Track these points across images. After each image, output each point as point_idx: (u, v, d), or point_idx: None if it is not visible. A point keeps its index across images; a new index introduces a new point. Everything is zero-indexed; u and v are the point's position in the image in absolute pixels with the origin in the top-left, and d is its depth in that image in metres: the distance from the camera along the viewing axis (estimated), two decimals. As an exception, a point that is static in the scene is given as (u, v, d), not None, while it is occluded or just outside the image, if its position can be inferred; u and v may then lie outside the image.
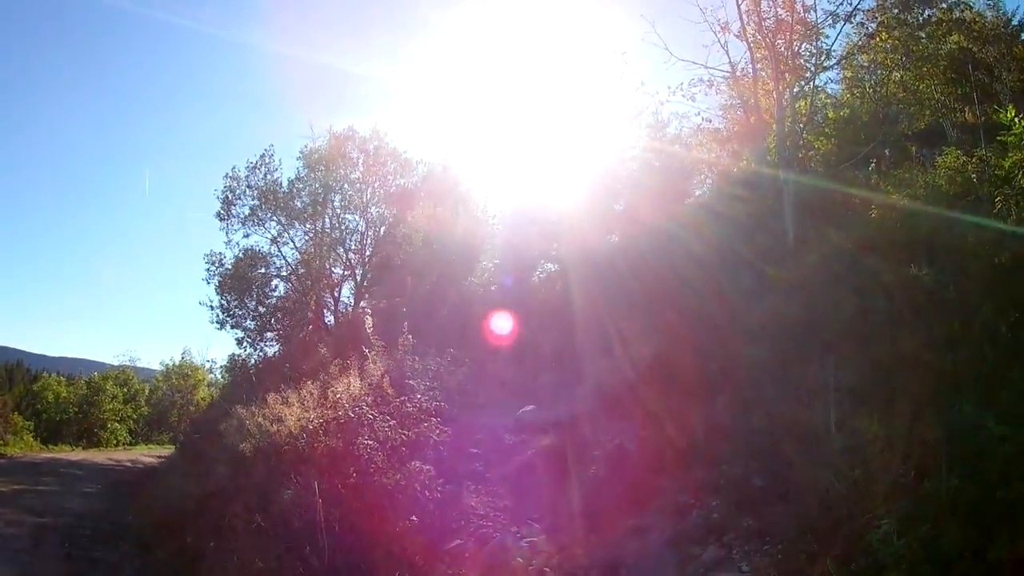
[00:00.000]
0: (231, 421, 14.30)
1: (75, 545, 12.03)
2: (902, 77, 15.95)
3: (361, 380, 11.73)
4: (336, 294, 26.99)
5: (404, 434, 9.67)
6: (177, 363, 46.91)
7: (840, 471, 6.86)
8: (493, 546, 8.56)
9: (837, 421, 7.45)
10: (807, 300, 10.22)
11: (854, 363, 8.26)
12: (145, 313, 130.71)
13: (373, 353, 12.09)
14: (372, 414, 10.04)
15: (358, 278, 26.38)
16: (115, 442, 40.62)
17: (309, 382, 13.15)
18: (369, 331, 12.76)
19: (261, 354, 26.47)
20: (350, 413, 10.34)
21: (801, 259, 11.62)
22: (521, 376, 13.89)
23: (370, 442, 9.46)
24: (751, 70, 13.42)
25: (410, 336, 11.94)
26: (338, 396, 10.92)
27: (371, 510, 8.58)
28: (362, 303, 25.80)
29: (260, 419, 12.85)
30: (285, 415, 12.10)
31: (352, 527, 8.49)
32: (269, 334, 26.63)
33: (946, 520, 5.49)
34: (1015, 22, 18.39)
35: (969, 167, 11.48)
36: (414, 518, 8.41)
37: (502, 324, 16.97)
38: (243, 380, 23.40)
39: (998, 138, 10.90)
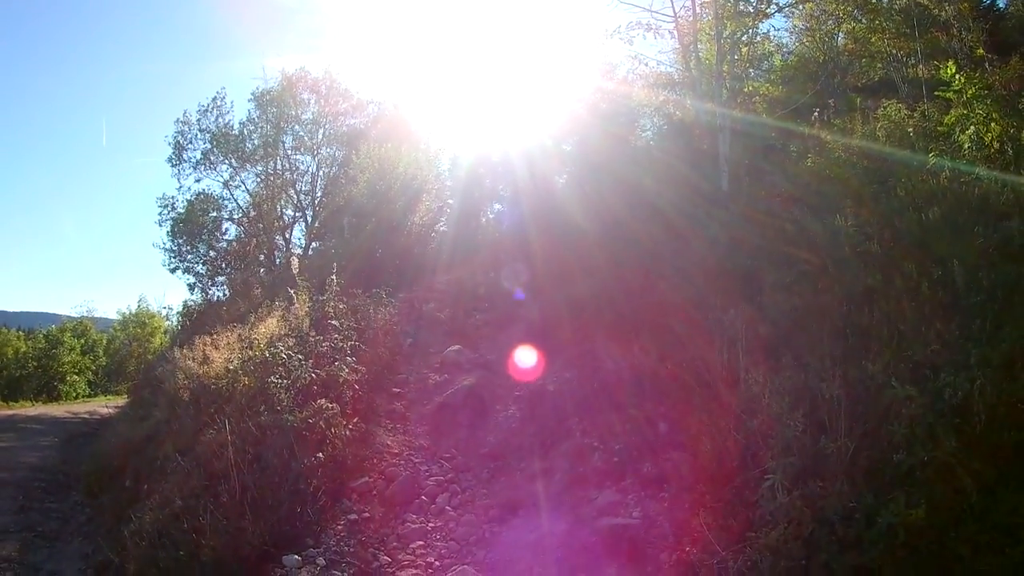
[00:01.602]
0: (167, 365, 14.24)
1: (29, 497, 12.05)
2: (854, 29, 15.88)
3: (284, 321, 11.67)
4: (288, 236, 26.89)
5: (314, 373, 9.60)
6: (134, 312, 46.24)
7: (740, 421, 6.83)
8: (399, 484, 8.49)
9: (745, 371, 7.37)
10: (732, 247, 10.20)
11: (771, 313, 8.18)
12: (104, 263, 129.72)
13: (299, 294, 12.01)
14: (287, 354, 9.97)
15: (309, 220, 26.29)
16: (74, 395, 40.38)
17: (240, 324, 13.11)
18: (294, 272, 12.67)
19: (213, 299, 26.17)
20: (265, 354, 10.29)
21: (733, 205, 11.60)
22: (456, 317, 13.77)
23: (280, 381, 9.39)
24: (692, 15, 13.27)
25: (334, 277, 11.83)
26: (256, 337, 10.86)
27: (279, 447, 8.49)
28: (300, 246, 25.72)
29: (189, 361, 12.79)
30: (212, 356, 12.05)
31: (263, 464, 8.40)
32: (220, 278, 26.38)
33: (840, 480, 5.40)
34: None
35: (910, 121, 11.43)
36: (320, 455, 8.31)
37: (440, 264, 16.83)
38: (189, 325, 23.21)
39: (935, 93, 10.90)
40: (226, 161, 25.68)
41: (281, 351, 10.06)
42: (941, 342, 6.15)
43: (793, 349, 7.20)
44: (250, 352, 11.18)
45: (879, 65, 17.09)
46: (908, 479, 5.15)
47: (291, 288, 12.40)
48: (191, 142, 25.92)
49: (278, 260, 25.95)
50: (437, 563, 7.11)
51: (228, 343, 12.31)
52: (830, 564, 4.96)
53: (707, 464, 6.75)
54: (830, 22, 16.11)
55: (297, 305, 11.95)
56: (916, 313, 6.74)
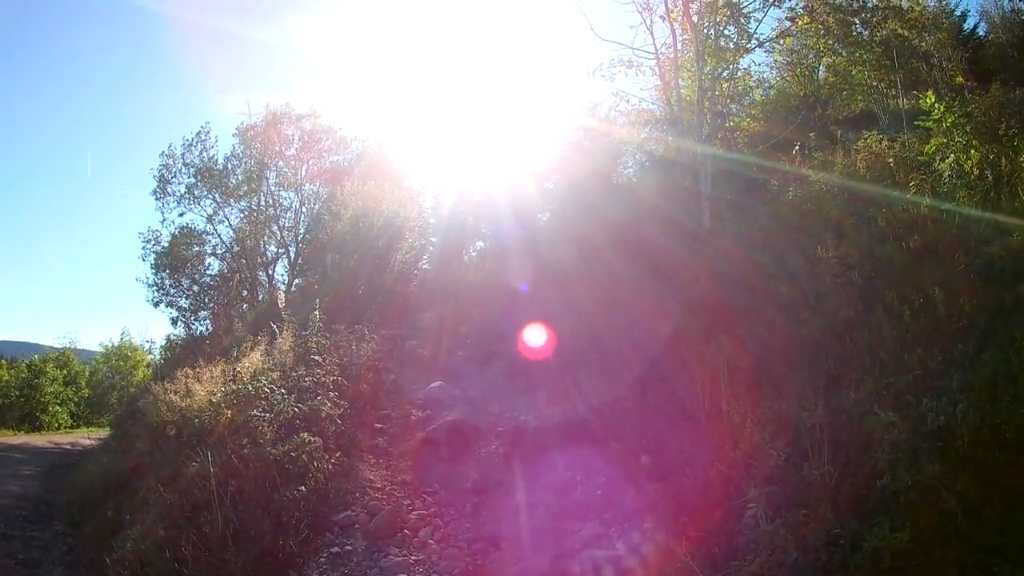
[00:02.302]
0: (149, 397, 14.15)
1: (11, 525, 11.96)
2: (834, 62, 16.06)
3: (267, 356, 11.64)
4: (270, 272, 26.58)
5: (296, 407, 9.57)
6: (117, 344, 46.08)
7: (722, 452, 6.82)
8: (381, 517, 8.49)
9: (727, 402, 7.38)
10: (713, 281, 10.23)
11: (752, 346, 8.20)
12: (87, 295, 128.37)
13: (283, 329, 11.99)
14: (269, 388, 9.96)
15: (292, 256, 26.04)
16: (56, 425, 39.80)
17: (222, 359, 13.06)
18: (280, 307, 12.68)
19: (196, 333, 25.97)
20: (249, 387, 10.25)
21: (715, 240, 11.64)
22: (437, 354, 13.76)
23: (263, 414, 9.36)
24: (674, 52, 13.40)
25: (316, 313, 11.84)
26: (238, 371, 10.82)
27: (262, 480, 8.51)
28: (284, 282, 25.66)
29: (172, 395, 12.72)
30: (195, 390, 12.00)
31: (245, 497, 8.44)
32: (203, 312, 26.11)
33: (823, 506, 5.40)
34: (958, 13, 18.73)
35: (890, 152, 11.53)
36: (302, 488, 8.30)
37: (423, 302, 16.83)
38: (172, 359, 23.05)
39: (915, 123, 11.00)
40: (210, 196, 25.50)
41: (264, 385, 10.07)
42: (923, 368, 6.19)
43: (775, 380, 7.23)
44: (233, 386, 11.13)
45: (860, 97, 17.27)
46: (893, 503, 5.14)
47: (275, 323, 12.40)
48: (175, 176, 25.74)
49: (261, 296, 25.81)
50: (420, 596, 7.06)
51: (211, 376, 12.25)
52: (811, 590, 4.92)
53: (689, 495, 6.79)
54: (811, 56, 16.31)
55: (281, 340, 11.93)
56: (898, 341, 6.77)
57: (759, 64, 18.84)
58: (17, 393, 40.80)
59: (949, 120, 9.67)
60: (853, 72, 16.08)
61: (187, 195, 25.54)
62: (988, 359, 5.90)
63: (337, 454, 9.32)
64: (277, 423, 9.42)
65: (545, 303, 12.64)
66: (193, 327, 26.01)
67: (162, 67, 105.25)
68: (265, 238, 26.12)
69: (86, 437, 27.85)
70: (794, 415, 6.35)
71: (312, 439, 8.92)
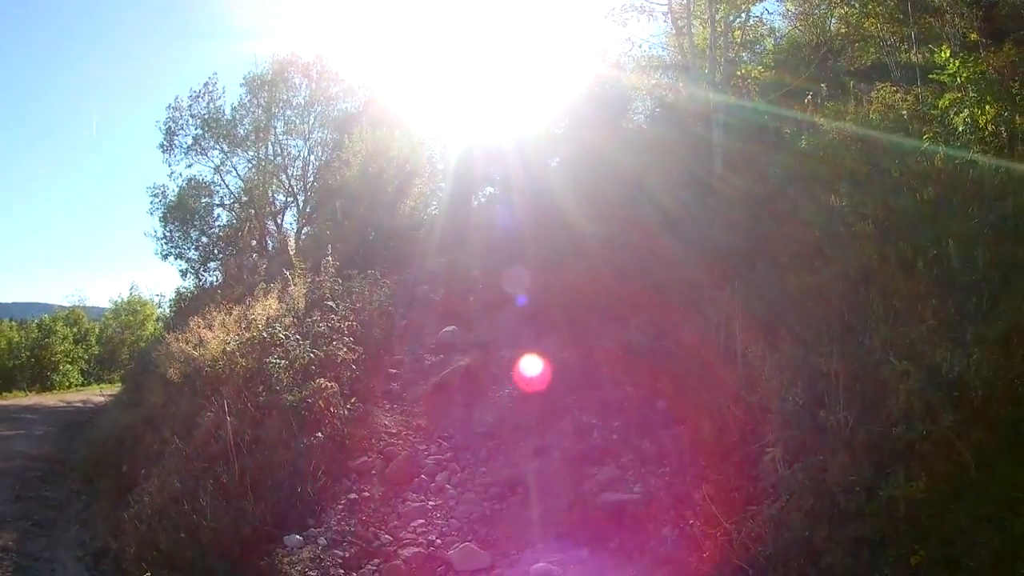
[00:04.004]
0: (161, 349, 14.22)
1: (25, 486, 12.08)
2: (847, 14, 15.89)
3: (281, 302, 11.69)
4: (279, 221, 26.74)
5: (312, 353, 9.65)
6: (126, 300, 45.84)
7: (739, 397, 6.89)
8: (398, 463, 8.58)
9: (743, 349, 7.43)
10: (726, 228, 10.24)
11: (767, 292, 8.21)
12: (95, 253, 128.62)
13: (295, 276, 12.03)
14: (285, 334, 10.01)
15: (301, 204, 26.16)
16: (68, 384, 39.77)
17: (235, 306, 13.10)
18: (291, 254, 12.70)
19: (206, 284, 25.99)
20: (263, 334, 10.31)
21: (727, 187, 11.63)
22: (450, 298, 13.80)
23: (279, 361, 9.43)
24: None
25: (329, 259, 11.87)
26: (253, 318, 10.88)
27: (279, 427, 8.58)
28: (294, 231, 25.66)
29: (183, 344, 12.78)
30: (207, 339, 12.05)
31: (262, 444, 8.50)
32: (212, 264, 26.22)
33: (838, 453, 5.42)
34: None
35: (904, 104, 11.46)
36: (320, 435, 8.39)
37: (434, 247, 16.84)
38: (183, 310, 23.14)
39: (929, 76, 10.90)
40: (217, 146, 25.56)
41: (279, 331, 10.10)
42: (937, 319, 6.16)
43: (790, 327, 7.21)
44: (247, 333, 11.18)
45: (872, 50, 17.11)
46: (908, 453, 5.17)
47: (287, 270, 12.44)
48: (182, 128, 25.70)
49: (270, 245, 25.86)
50: (439, 540, 7.19)
51: (223, 324, 12.27)
52: (832, 535, 5.00)
53: (707, 439, 6.85)
54: (823, 6, 16.14)
55: (294, 286, 11.98)
56: (911, 291, 6.74)
57: (771, 13, 18.58)
58: (28, 354, 40.97)
59: (964, 75, 9.59)
60: (865, 24, 15.89)
61: (194, 146, 25.63)
62: (1001, 313, 5.89)
63: (353, 400, 9.35)
64: (293, 370, 9.48)
65: (556, 248, 12.62)
66: (203, 278, 26.17)
67: (166, 15, 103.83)
68: (274, 187, 26.15)
69: (97, 394, 27.99)
70: (810, 361, 6.36)
71: (329, 384, 8.97)
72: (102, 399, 23.86)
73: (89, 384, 39.67)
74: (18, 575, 8.55)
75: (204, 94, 25.69)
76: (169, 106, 25.87)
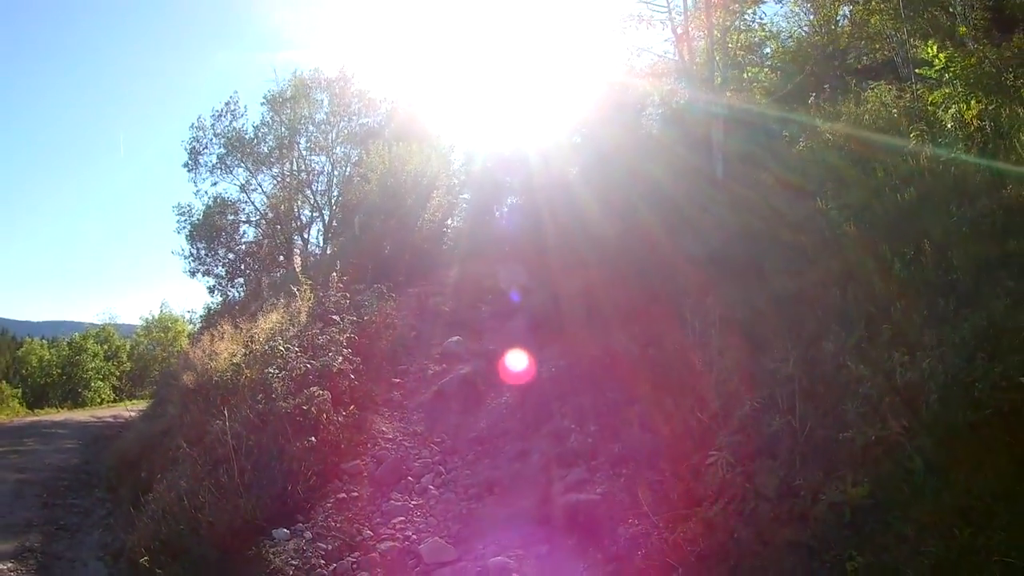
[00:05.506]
0: (179, 361, 14.65)
1: (53, 495, 12.43)
2: (851, 12, 15.86)
3: (284, 316, 12.03)
4: (305, 236, 27.15)
5: (308, 364, 9.98)
6: (157, 316, 46.93)
7: (704, 402, 7.01)
8: (387, 465, 8.92)
9: (718, 353, 7.54)
10: (722, 232, 10.34)
11: (752, 296, 8.31)
12: (125, 271, 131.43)
13: (302, 291, 12.37)
14: (285, 347, 10.36)
15: (326, 219, 26.45)
16: (99, 400, 40.39)
17: (247, 321, 13.49)
18: (297, 270, 13.04)
19: (232, 300, 26.43)
20: (264, 346, 10.66)
21: (727, 191, 11.72)
22: (459, 309, 14.05)
23: (277, 372, 9.79)
24: (683, 5, 13.42)
25: (335, 274, 12.20)
26: (255, 331, 11.23)
27: (275, 433, 8.97)
28: (319, 246, 26.06)
29: (199, 356, 13.19)
30: (219, 350, 12.43)
31: (260, 449, 8.90)
32: (239, 280, 26.81)
33: (789, 457, 5.53)
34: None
35: (897, 103, 11.45)
36: (312, 439, 8.75)
37: (451, 259, 17.13)
38: (207, 326, 23.63)
39: (916, 72, 10.88)
40: (242, 164, 26.06)
41: (280, 344, 10.46)
42: (907, 322, 6.22)
43: (760, 333, 7.36)
44: (253, 346, 11.55)
45: (878, 46, 17.03)
46: (859, 459, 5.22)
47: (294, 285, 12.78)
48: (206, 147, 26.29)
49: (297, 260, 26.27)
50: (414, 536, 7.53)
51: (231, 338, 12.68)
52: (764, 538, 5.12)
53: (668, 443, 7.01)
54: (828, 5, 16.12)
55: (300, 301, 12.32)
56: (887, 293, 6.80)
57: (774, 15, 18.60)
58: (59, 371, 41.87)
59: (952, 71, 9.55)
60: (871, 21, 15.83)
61: (219, 165, 26.18)
62: (968, 315, 5.89)
63: (350, 407, 9.73)
64: (290, 379, 9.82)
65: (574, 255, 12.79)
66: (229, 294, 26.67)
67: (185, 32, 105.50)
68: (299, 203, 26.59)
69: (127, 409, 28.41)
70: (769, 367, 6.48)
71: (321, 393, 9.32)
72: (131, 414, 24.32)
73: (121, 400, 40.26)
74: (41, 573, 9.02)
75: (226, 113, 26.41)
76: (192, 126, 26.57)
